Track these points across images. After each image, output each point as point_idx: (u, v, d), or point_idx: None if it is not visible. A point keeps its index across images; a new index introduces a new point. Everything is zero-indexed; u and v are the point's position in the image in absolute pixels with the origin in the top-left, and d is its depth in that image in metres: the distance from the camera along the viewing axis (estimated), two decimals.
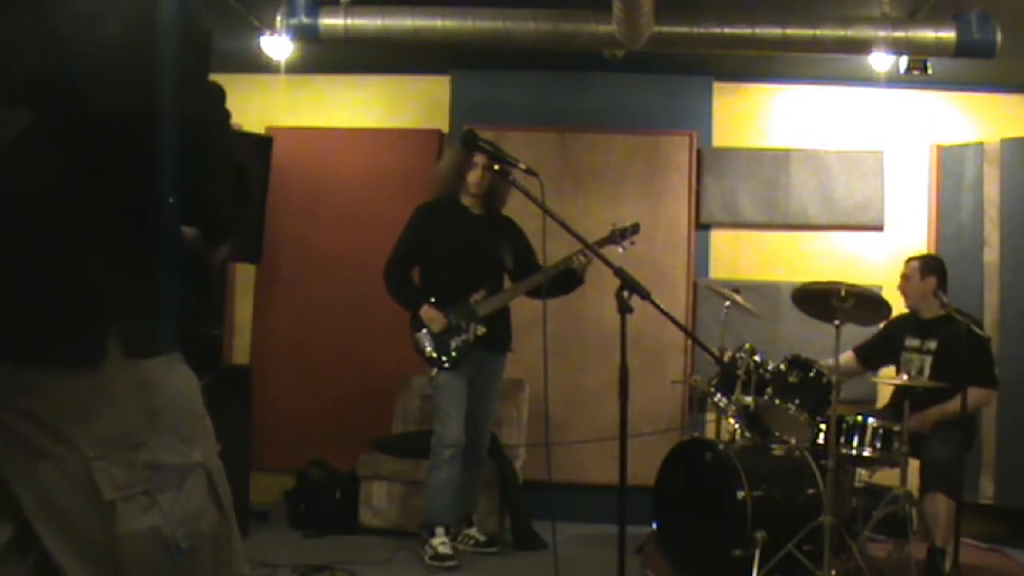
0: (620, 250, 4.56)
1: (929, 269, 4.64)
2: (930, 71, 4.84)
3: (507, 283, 4.80)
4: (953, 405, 4.22)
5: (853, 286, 4.11)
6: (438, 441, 4.59)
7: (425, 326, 4.55)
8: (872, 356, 4.90)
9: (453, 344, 4.54)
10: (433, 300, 4.57)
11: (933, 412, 4.39)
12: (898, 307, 4.68)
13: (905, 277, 4.69)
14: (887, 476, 4.54)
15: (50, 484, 1.29)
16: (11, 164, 1.25)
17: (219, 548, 1.44)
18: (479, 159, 4.55)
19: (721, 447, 4.27)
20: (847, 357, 4.92)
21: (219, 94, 1.40)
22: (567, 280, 4.62)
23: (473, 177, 4.62)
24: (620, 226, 4.62)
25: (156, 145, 1.28)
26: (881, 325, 4.79)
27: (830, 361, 4.74)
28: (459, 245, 4.65)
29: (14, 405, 1.27)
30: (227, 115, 1.42)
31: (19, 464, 1.29)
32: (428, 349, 4.55)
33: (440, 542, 4.50)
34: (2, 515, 1.31)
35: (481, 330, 4.57)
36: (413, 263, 4.71)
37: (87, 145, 1.27)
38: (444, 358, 4.53)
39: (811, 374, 4.35)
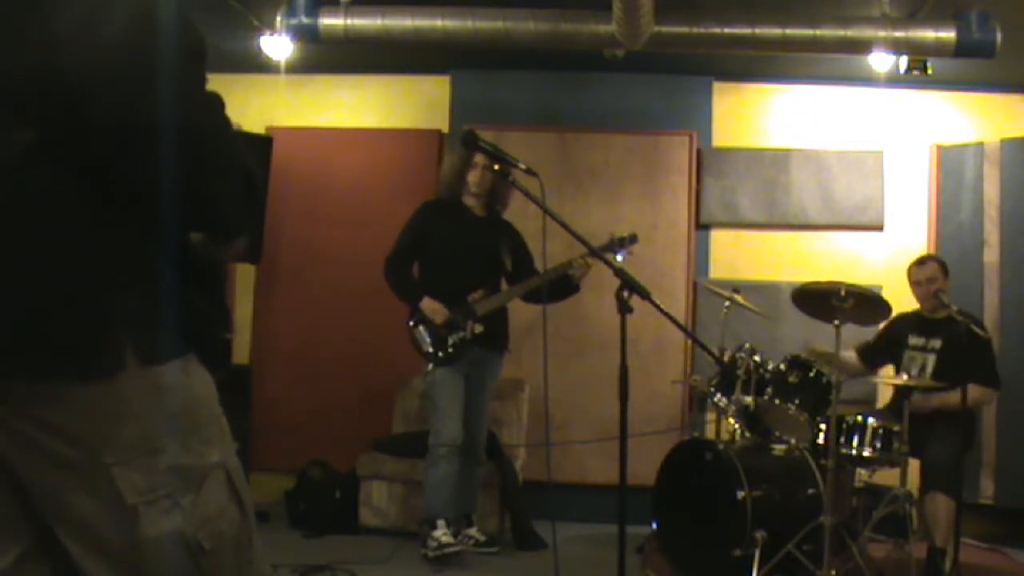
0: (618, 259, 4.55)
1: (947, 270, 4.63)
2: (930, 71, 4.84)
3: (504, 286, 4.80)
4: (955, 396, 4.21)
5: (853, 286, 4.10)
6: (435, 438, 4.60)
7: (423, 321, 4.56)
8: (874, 355, 4.88)
9: (450, 340, 4.55)
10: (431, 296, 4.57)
11: (937, 398, 4.38)
12: (898, 307, 4.68)
13: (930, 280, 4.59)
14: (887, 476, 4.54)
15: (72, 493, 1.29)
16: (16, 178, 1.25)
17: (240, 547, 1.44)
18: (479, 159, 4.57)
19: (721, 447, 4.26)
20: (850, 356, 4.91)
21: (219, 102, 1.40)
22: (564, 287, 4.63)
23: (473, 177, 4.65)
24: (619, 235, 4.61)
25: (160, 152, 1.27)
26: (881, 325, 4.78)
27: (845, 354, 4.76)
28: (460, 245, 4.66)
29: (35, 417, 1.28)
30: (228, 121, 1.42)
31: (42, 474, 1.30)
32: (425, 344, 4.56)
33: (442, 533, 4.50)
34: (23, 523, 1.32)
35: (478, 328, 4.58)
36: (413, 259, 4.73)
37: (91, 156, 1.27)
38: (440, 353, 4.54)
39: (811, 374, 4.34)
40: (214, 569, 1.39)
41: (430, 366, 4.59)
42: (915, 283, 4.67)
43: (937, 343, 4.56)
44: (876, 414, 4.41)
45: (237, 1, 4.77)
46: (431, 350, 4.56)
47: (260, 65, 5.30)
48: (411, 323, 4.60)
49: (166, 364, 1.35)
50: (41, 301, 1.27)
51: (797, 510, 4.08)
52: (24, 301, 1.26)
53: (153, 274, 1.36)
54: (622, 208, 5.80)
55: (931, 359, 4.56)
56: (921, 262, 4.74)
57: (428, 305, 4.55)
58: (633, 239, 4.64)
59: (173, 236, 1.39)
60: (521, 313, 5.17)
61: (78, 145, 1.26)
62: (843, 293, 4.02)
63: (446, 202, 4.73)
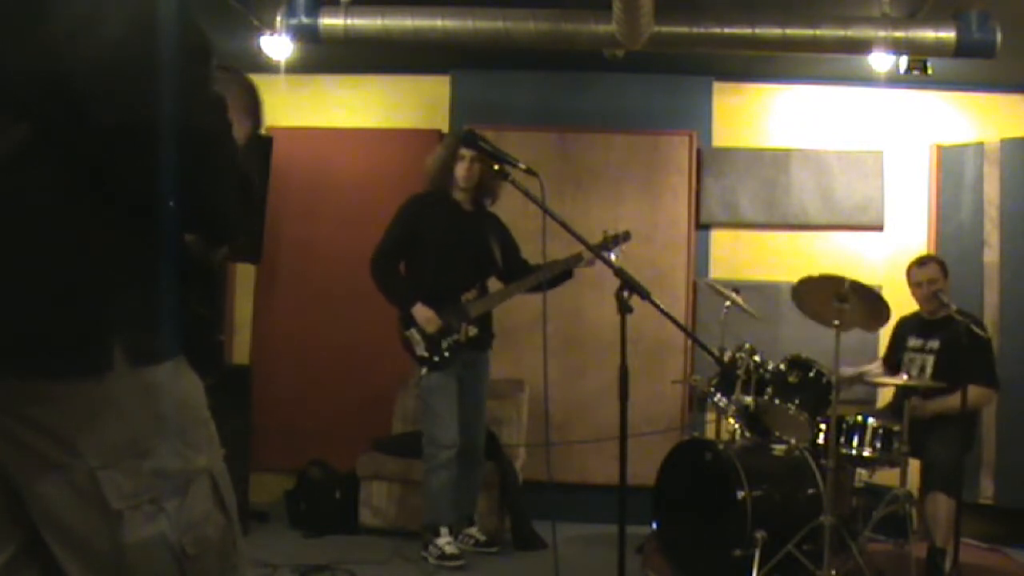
0: (612, 256, 4.54)
1: (946, 270, 4.63)
2: (930, 71, 4.83)
3: (493, 280, 4.78)
4: (954, 400, 4.21)
5: (856, 282, 4.07)
6: (433, 443, 4.57)
7: (416, 325, 4.54)
8: (890, 362, 4.88)
9: (444, 344, 4.53)
10: (421, 297, 4.55)
11: (935, 403, 4.38)
12: (898, 307, 4.68)
13: (931, 282, 4.58)
14: (887, 476, 4.54)
15: (58, 494, 1.29)
16: (12, 176, 1.24)
17: (225, 553, 1.44)
18: (466, 152, 4.54)
19: (721, 447, 4.27)
20: (877, 366, 4.91)
21: (221, 102, 1.40)
22: (558, 277, 4.63)
23: (461, 171, 4.61)
24: (612, 233, 4.59)
25: (157, 152, 1.27)
26: (890, 328, 4.79)
27: (872, 368, 4.77)
28: (450, 241, 4.62)
29: (23, 416, 1.28)
30: (229, 123, 1.41)
31: (28, 474, 1.29)
32: (419, 348, 4.54)
33: (446, 542, 4.50)
34: (13, 523, 1.32)
35: (473, 331, 4.57)
36: (401, 256, 4.67)
37: (88, 154, 1.27)
38: (436, 357, 4.52)
39: (811, 374, 4.34)
40: (198, 574, 1.38)
41: (424, 370, 4.56)
42: (915, 284, 4.67)
43: (935, 344, 4.56)
44: (876, 414, 4.41)
45: (237, 1, 4.77)
46: (426, 354, 4.53)
47: (260, 65, 5.28)
48: (404, 327, 4.58)
49: (155, 366, 1.35)
50: (33, 298, 1.27)
51: (797, 510, 4.08)
52: (16, 298, 1.26)
53: (147, 274, 1.36)
54: (622, 208, 5.79)
55: (929, 360, 4.56)
56: (921, 263, 4.73)
57: (421, 314, 4.51)
58: (626, 236, 4.62)
59: (169, 236, 1.38)
60: (521, 313, 5.18)
61: (77, 144, 1.26)
62: (845, 287, 4.01)
63: (434, 196, 4.68)
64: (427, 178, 4.71)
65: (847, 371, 4.65)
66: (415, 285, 4.62)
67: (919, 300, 4.68)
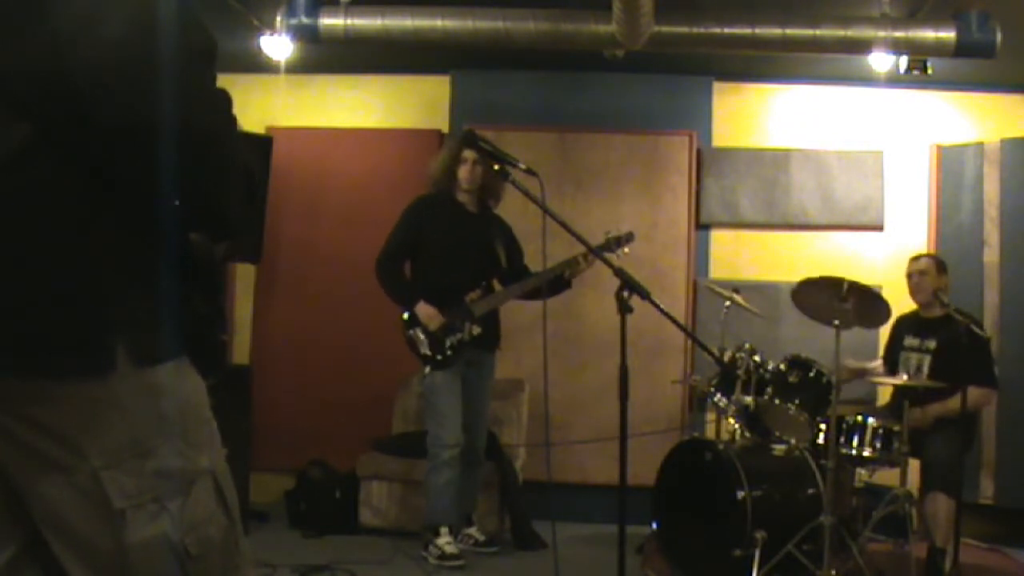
0: (615, 257, 4.54)
1: (942, 267, 4.65)
2: (930, 71, 4.83)
3: (496, 282, 4.79)
4: (955, 402, 4.22)
5: (854, 283, 4.08)
6: (436, 442, 4.58)
7: (420, 324, 4.54)
8: (889, 360, 4.89)
9: (448, 342, 4.53)
10: (426, 298, 4.55)
11: (934, 408, 4.39)
12: (898, 307, 4.68)
13: (922, 273, 4.62)
14: (887, 476, 4.54)
15: (60, 494, 1.29)
16: (13, 176, 1.24)
17: (227, 553, 1.44)
18: (468, 154, 4.55)
19: (721, 447, 4.27)
20: (877, 365, 4.92)
21: (226, 100, 1.39)
22: (557, 284, 4.63)
23: (463, 172, 4.62)
24: (615, 234, 4.58)
25: (158, 152, 1.27)
26: (889, 327, 4.80)
27: (873, 364, 4.80)
28: (455, 242, 4.63)
29: (25, 415, 1.27)
30: (234, 121, 1.41)
31: (30, 474, 1.29)
32: (423, 347, 4.54)
33: (446, 542, 4.50)
34: (14, 523, 1.32)
35: (476, 330, 4.57)
36: (406, 257, 4.69)
37: (91, 153, 1.27)
38: (439, 356, 4.52)
39: (811, 374, 4.35)
40: (201, 574, 1.38)
41: (427, 369, 4.57)
42: (908, 276, 4.72)
43: (932, 344, 4.56)
44: (876, 414, 4.41)
45: (237, 1, 4.77)
46: (429, 352, 4.54)
47: (260, 65, 5.29)
48: (407, 327, 4.58)
49: (158, 366, 1.35)
50: (34, 299, 1.26)
51: (797, 510, 4.08)
52: (17, 298, 1.26)
53: (150, 274, 1.35)
54: (622, 208, 5.79)
55: (926, 360, 4.56)
56: (916, 258, 4.78)
57: (424, 311, 4.52)
58: (629, 238, 4.62)
59: (172, 235, 1.38)
60: (521, 313, 5.17)
61: (77, 144, 1.26)
62: (844, 289, 4.01)
63: (438, 198, 4.69)
64: (431, 180, 4.74)
65: (852, 363, 4.68)
66: (420, 286, 4.63)
67: (911, 292, 4.70)
